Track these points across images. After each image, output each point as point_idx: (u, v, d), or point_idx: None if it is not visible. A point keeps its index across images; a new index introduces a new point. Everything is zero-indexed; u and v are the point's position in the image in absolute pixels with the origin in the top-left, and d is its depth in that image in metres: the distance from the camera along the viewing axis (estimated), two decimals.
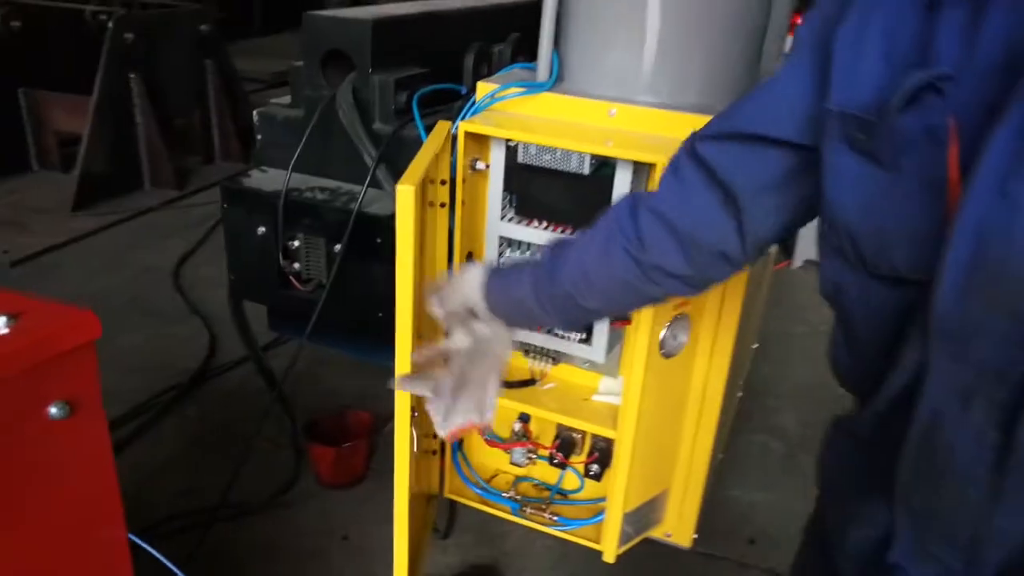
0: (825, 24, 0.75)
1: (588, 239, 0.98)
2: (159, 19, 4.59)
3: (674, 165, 0.92)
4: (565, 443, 1.72)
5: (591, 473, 1.70)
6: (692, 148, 0.90)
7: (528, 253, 1.62)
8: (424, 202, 1.51)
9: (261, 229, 1.81)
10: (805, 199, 0.83)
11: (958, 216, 0.63)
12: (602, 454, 1.70)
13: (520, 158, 1.50)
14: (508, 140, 1.51)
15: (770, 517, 2.36)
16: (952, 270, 0.64)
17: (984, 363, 0.66)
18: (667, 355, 1.55)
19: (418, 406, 1.34)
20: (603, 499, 1.77)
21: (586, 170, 1.46)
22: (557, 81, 1.54)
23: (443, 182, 1.52)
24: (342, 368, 2.83)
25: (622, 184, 1.47)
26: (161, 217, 4.21)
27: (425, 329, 1.61)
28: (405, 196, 1.15)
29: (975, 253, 0.63)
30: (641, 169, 1.47)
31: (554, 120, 1.52)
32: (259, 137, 1.92)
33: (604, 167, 1.49)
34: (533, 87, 1.51)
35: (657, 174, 1.36)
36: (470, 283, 1.06)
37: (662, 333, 1.51)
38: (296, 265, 1.85)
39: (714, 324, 1.61)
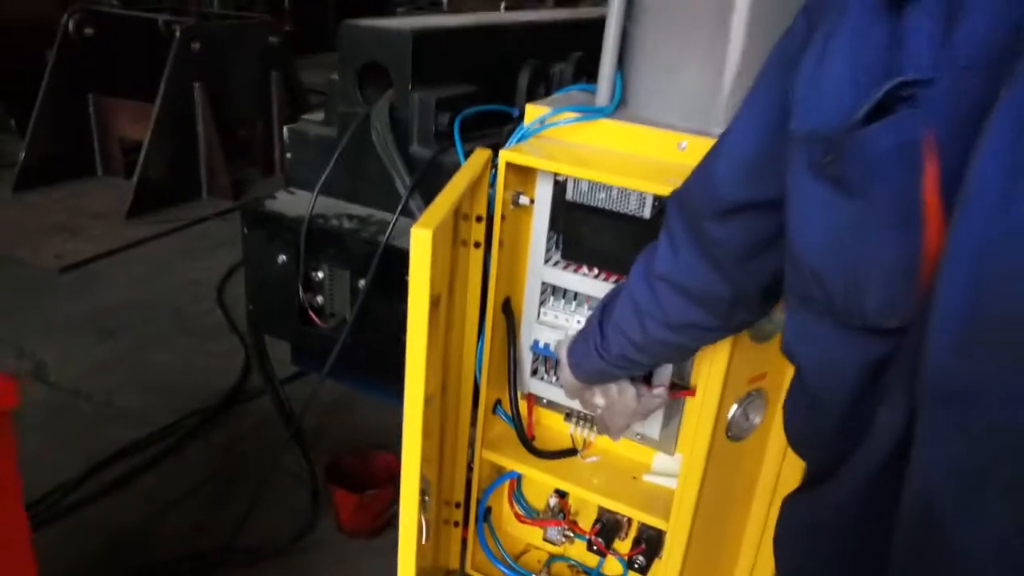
0: (789, 51, 0.71)
1: (623, 312, 1.02)
2: (227, 30, 4.56)
3: (669, 232, 0.92)
4: (607, 527, 1.47)
5: (636, 565, 1.45)
6: (686, 221, 0.89)
7: (575, 304, 1.39)
8: (455, 240, 1.30)
9: (282, 258, 1.63)
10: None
11: (948, 247, 0.53)
12: (650, 544, 1.44)
13: (570, 195, 1.28)
14: (557, 174, 1.29)
15: None
16: (945, 315, 0.53)
17: (996, 433, 0.52)
18: (735, 438, 1.30)
19: (428, 489, 1.13)
20: None
21: (647, 213, 1.23)
22: (620, 106, 1.32)
23: (479, 218, 1.31)
24: (372, 403, 2.65)
25: None
26: (214, 227, 4.14)
27: (436, 388, 1.40)
28: (421, 242, 0.94)
29: (974, 292, 0.51)
30: None
31: (613, 152, 1.30)
32: (289, 155, 1.76)
33: None
34: (591, 112, 1.29)
35: None
36: (565, 371, 1.21)
37: (731, 412, 1.26)
38: (319, 299, 1.66)
39: None
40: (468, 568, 1.59)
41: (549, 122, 1.30)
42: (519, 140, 1.33)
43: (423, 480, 1.06)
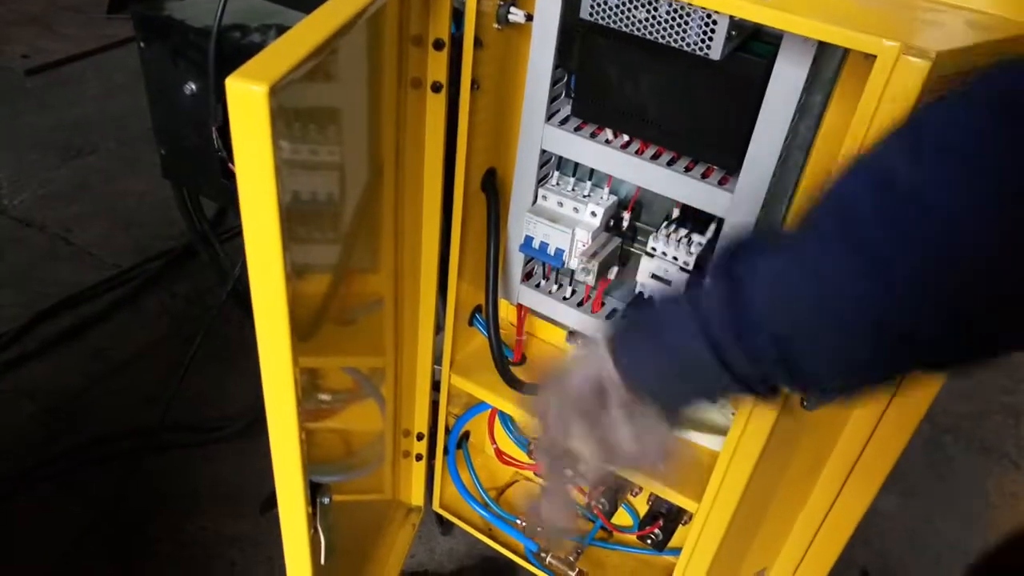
0: None
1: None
2: None
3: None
4: (614, 490, 1.09)
5: (649, 541, 1.08)
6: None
7: (589, 186, 0.92)
8: (402, 80, 0.81)
9: (191, 86, 1.16)
10: None
11: None
12: (669, 518, 1.07)
13: (588, 12, 0.77)
14: None
15: (897, 534, 1.73)
16: None
17: None
18: (812, 406, 0.86)
19: (327, 487, 0.74)
20: (667, 552, 1.17)
21: (716, 50, 0.72)
22: None
23: (438, 44, 0.81)
24: None
25: (785, 84, 0.72)
26: None
27: (386, 289, 0.98)
28: (247, 112, 0.46)
29: None
30: (828, 59, 0.71)
31: None
32: None
33: (752, 46, 0.75)
34: None
35: (886, 79, 0.61)
36: (593, 355, 0.57)
37: None
38: None
39: None
40: (435, 506, 1.25)
41: None
42: None
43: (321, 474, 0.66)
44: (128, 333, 2.02)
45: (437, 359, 1.13)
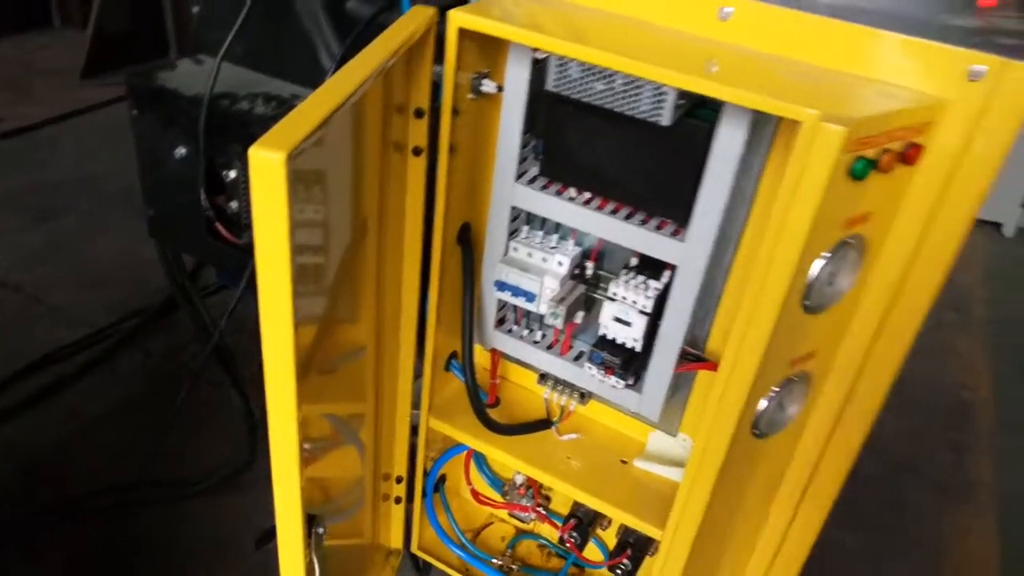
0: None
1: None
2: None
3: None
4: (585, 522, 1.15)
5: (620, 571, 1.14)
6: None
7: (556, 239, 1.00)
8: (385, 143, 0.90)
9: (180, 151, 1.24)
10: None
11: None
12: (637, 548, 1.13)
13: (553, 84, 0.87)
14: (536, 50, 0.87)
15: (859, 569, 1.80)
16: None
17: None
18: (762, 434, 0.94)
19: (322, 519, 0.79)
20: None
21: (666, 117, 0.82)
22: None
23: (419, 113, 0.90)
24: None
25: (728, 146, 0.82)
26: None
27: (368, 337, 1.04)
28: (266, 176, 0.54)
29: None
30: (764, 124, 0.82)
31: (621, 19, 0.88)
32: (195, 10, 1.32)
33: (698, 112, 0.85)
34: None
35: (810, 142, 0.71)
36: None
37: (762, 404, 0.90)
38: (233, 204, 1.28)
39: (850, 382, 0.98)
40: (414, 548, 1.29)
41: None
42: None
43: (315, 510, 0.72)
44: (103, 391, 2.04)
45: (415, 404, 1.19)
